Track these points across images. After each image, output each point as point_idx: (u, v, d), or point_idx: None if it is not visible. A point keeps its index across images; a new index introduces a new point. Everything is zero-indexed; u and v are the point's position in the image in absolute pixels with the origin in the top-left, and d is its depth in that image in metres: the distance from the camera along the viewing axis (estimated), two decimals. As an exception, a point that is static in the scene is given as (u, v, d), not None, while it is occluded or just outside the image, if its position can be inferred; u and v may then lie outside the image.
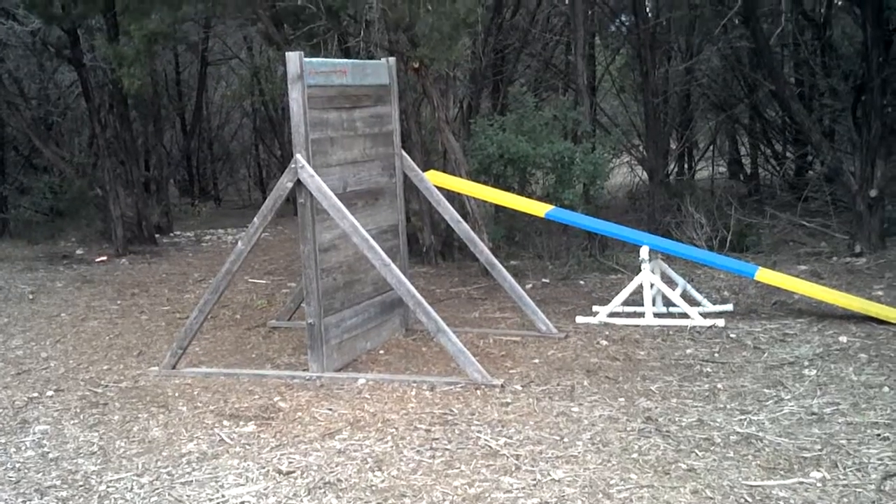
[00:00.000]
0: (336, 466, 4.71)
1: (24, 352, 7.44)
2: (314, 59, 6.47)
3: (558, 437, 4.96)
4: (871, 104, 9.60)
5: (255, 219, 6.46)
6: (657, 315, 7.50)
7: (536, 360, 6.52)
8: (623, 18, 14.64)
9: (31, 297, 9.62)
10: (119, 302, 9.27)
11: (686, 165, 15.56)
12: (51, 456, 5.09)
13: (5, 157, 15.68)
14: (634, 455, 4.68)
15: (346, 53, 9.67)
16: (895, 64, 10.47)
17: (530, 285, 8.99)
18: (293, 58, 6.16)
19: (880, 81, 9.52)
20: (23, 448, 5.23)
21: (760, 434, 4.88)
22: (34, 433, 5.47)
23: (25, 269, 11.27)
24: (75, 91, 15.13)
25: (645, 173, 13.08)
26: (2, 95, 13.74)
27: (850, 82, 11.07)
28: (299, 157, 6.19)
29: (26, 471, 4.89)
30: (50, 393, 6.27)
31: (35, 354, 7.35)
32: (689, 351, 6.58)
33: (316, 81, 6.31)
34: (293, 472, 4.67)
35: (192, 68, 17.96)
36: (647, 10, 12.70)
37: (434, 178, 7.94)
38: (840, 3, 12.68)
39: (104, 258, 11.82)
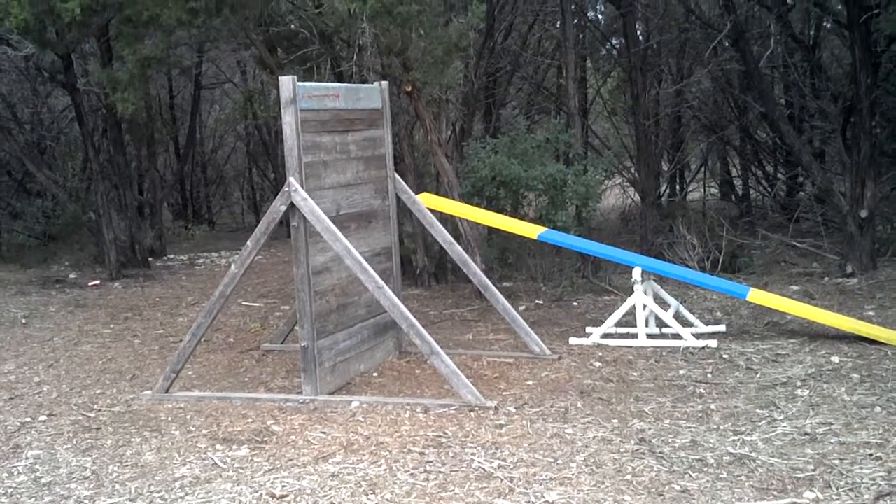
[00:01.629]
0: (330, 490, 4.70)
1: (17, 376, 7.42)
2: (307, 84, 6.51)
3: (552, 459, 4.96)
4: (861, 125, 9.68)
5: (249, 242, 6.47)
6: (650, 336, 7.51)
7: (530, 382, 6.53)
8: (614, 42, 14.77)
9: (23, 321, 9.60)
10: (112, 326, 9.26)
11: (678, 187, 15.66)
12: (43, 481, 5.07)
13: (-2, 181, 15.73)
14: (628, 476, 4.68)
15: (339, 77, 9.73)
16: (883, 86, 10.59)
17: (523, 307, 9.00)
18: (286, 82, 6.20)
19: (869, 103, 9.60)
20: (15, 473, 5.21)
21: (754, 455, 4.89)
22: (27, 458, 5.45)
23: (18, 293, 11.25)
24: (69, 115, 15.18)
25: (637, 195, 13.15)
26: (-5, 120, 13.80)
27: (840, 104, 11.17)
28: (293, 181, 6.21)
29: (19, 496, 4.87)
30: (43, 417, 6.25)
31: (28, 379, 7.33)
32: (682, 372, 6.59)
33: (309, 105, 6.35)
34: (287, 495, 4.66)
35: (185, 92, 18.02)
36: (638, 33, 12.80)
37: (427, 201, 7.97)
38: (829, 25, 12.80)
39: (97, 282, 11.81)
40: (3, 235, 14.76)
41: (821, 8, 11.39)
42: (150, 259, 13.26)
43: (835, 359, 6.63)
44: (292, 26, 9.43)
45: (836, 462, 4.74)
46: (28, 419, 6.23)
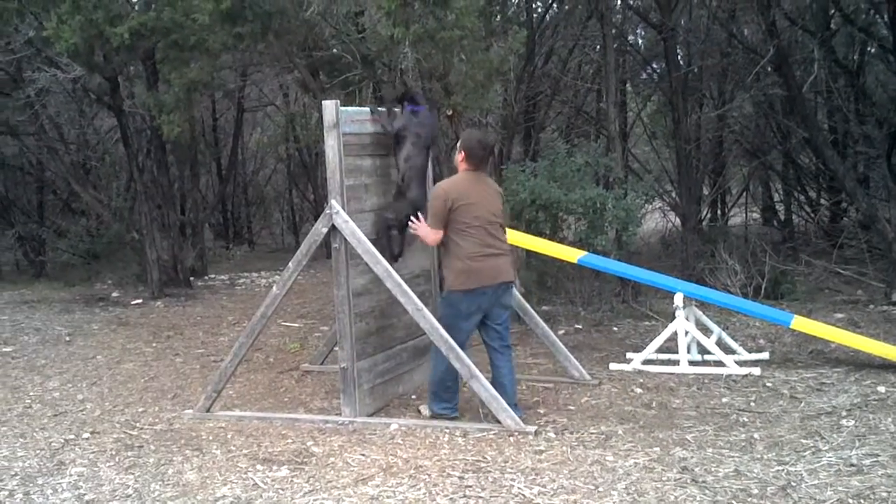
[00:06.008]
0: (369, 513, 4.69)
1: (61, 393, 7.52)
2: (350, 108, 6.58)
3: (593, 487, 4.92)
4: (907, 151, 9.55)
5: (290, 263, 6.52)
6: (692, 363, 7.43)
7: (570, 408, 6.49)
8: (654, 66, 14.73)
9: (67, 338, 9.74)
10: (154, 344, 9.36)
11: (719, 211, 15.51)
12: (87, 498, 5.13)
13: (44, 200, 16.02)
14: (670, 505, 4.63)
15: (381, 101, 9.78)
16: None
17: (563, 331, 8.96)
18: (329, 106, 6.26)
19: (915, 129, 9.48)
20: (59, 490, 5.27)
21: (798, 485, 4.80)
22: (70, 475, 5.51)
23: (62, 311, 11.42)
24: (114, 136, 15.43)
25: (678, 219, 13.05)
26: (43, 140, 14.07)
27: (885, 129, 11.03)
28: (334, 203, 6.26)
29: (62, 513, 4.93)
30: (86, 435, 6.33)
31: (71, 396, 7.43)
32: (724, 400, 6.51)
33: (351, 129, 6.41)
34: (326, 517, 4.66)
35: (228, 114, 18.25)
36: (679, 58, 12.76)
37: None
38: (873, 50, 12.67)
39: (139, 301, 11.94)
40: (48, 254, 15.02)
41: (865, 33, 11.29)
42: (191, 278, 13.39)
43: (881, 388, 6.51)
44: (335, 51, 9.52)
45: (884, 494, 4.64)
46: (72, 436, 6.31)
